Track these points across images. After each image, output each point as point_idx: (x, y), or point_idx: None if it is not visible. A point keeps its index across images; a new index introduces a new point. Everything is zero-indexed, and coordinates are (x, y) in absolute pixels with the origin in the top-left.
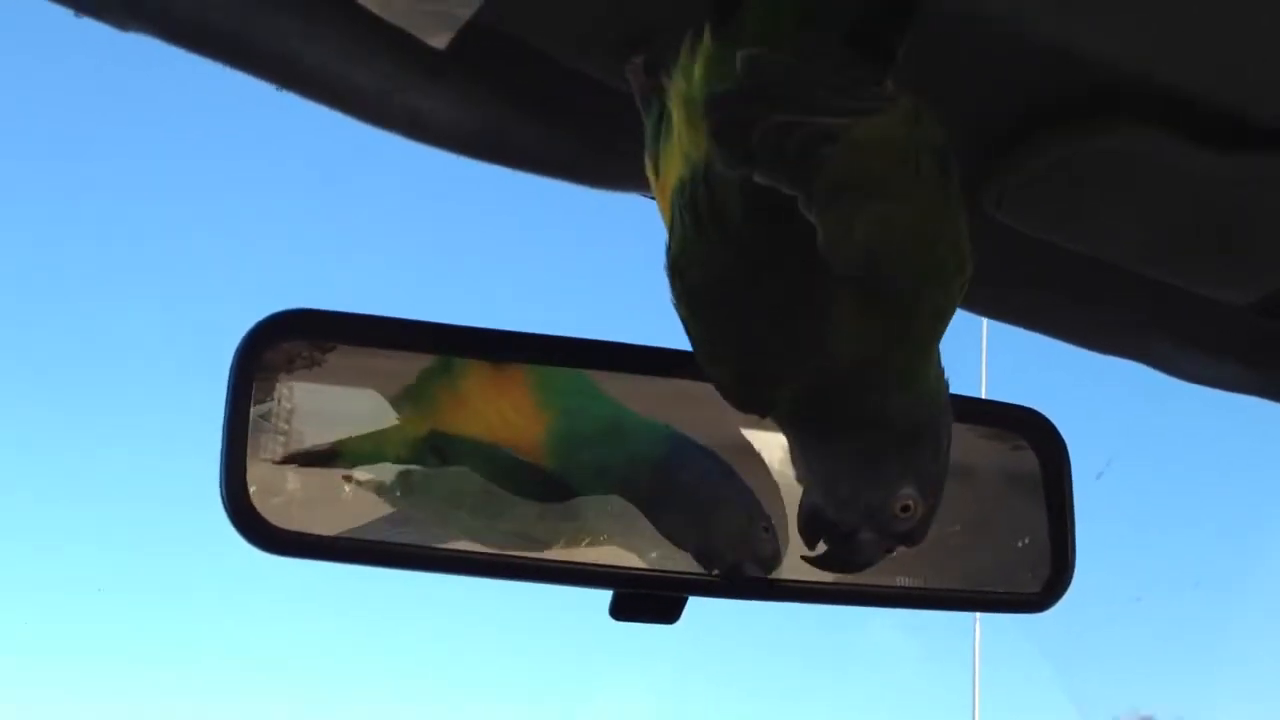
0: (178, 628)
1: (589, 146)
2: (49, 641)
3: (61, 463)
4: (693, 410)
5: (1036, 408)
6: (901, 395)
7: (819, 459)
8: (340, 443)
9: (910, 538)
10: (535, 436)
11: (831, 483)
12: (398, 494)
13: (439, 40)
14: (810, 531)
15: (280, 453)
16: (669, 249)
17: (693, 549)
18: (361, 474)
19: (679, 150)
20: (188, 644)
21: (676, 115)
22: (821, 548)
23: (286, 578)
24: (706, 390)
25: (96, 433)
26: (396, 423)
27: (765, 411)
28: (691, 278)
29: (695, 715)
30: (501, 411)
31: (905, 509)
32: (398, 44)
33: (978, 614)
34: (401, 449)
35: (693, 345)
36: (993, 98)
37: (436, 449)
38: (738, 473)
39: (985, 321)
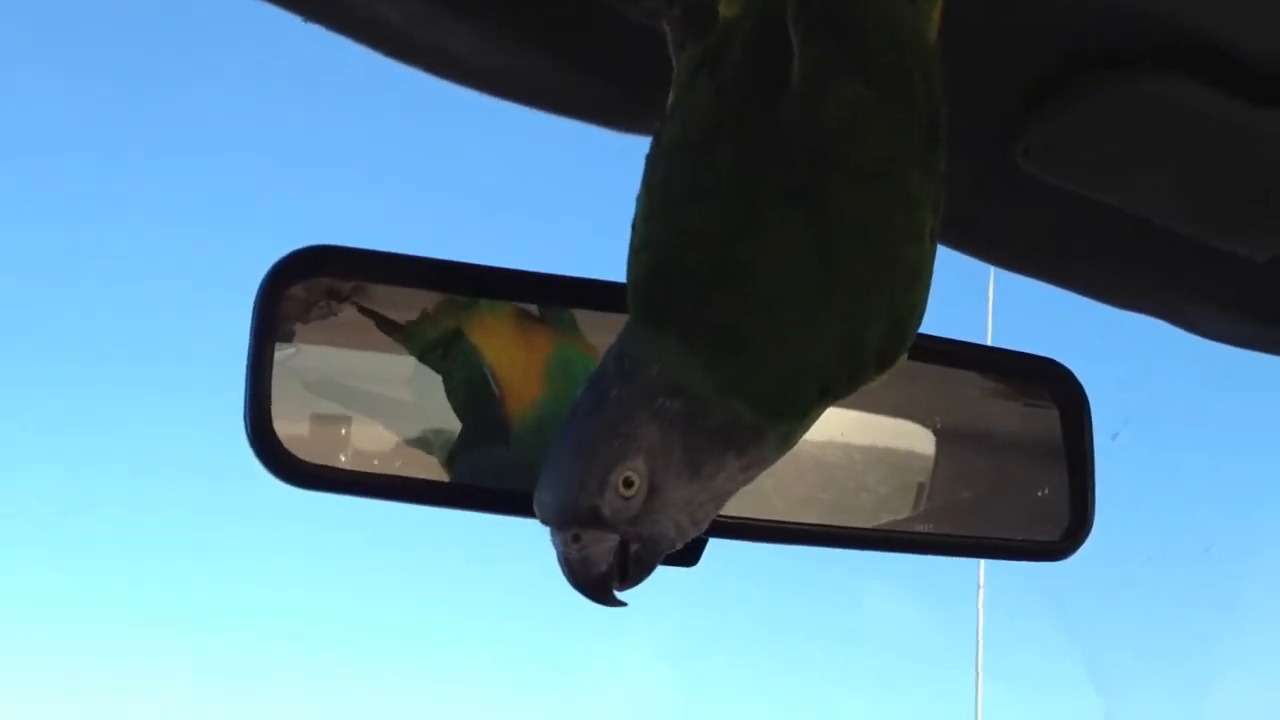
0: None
1: (617, 89)
2: None
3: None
4: None
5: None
6: None
7: None
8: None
9: None
10: (528, 397)
11: None
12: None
13: None
14: None
15: (298, 389)
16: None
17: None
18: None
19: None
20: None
21: None
22: None
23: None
24: None
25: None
26: (437, 311)
27: (659, 317)
28: (667, 133)
29: (703, 680)
30: (515, 357)
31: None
32: None
33: (980, 581)
34: (433, 336)
35: (632, 232)
36: (1027, 47)
37: (449, 346)
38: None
39: (993, 273)
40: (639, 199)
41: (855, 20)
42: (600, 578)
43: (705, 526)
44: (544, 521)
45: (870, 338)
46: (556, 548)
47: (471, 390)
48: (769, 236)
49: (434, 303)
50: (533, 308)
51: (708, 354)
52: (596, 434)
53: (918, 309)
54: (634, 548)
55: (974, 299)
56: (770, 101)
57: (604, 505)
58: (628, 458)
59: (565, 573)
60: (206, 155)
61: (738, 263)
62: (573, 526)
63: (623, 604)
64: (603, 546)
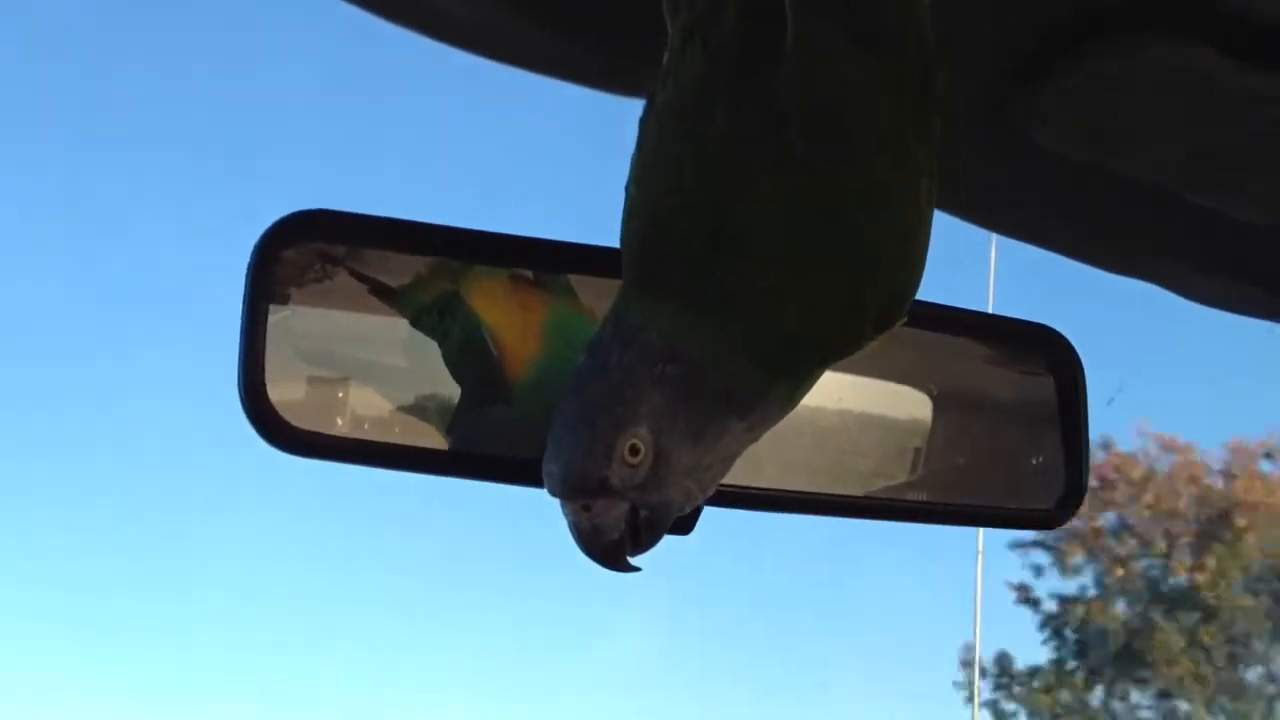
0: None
1: (610, 52)
2: None
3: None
4: None
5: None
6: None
7: None
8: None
9: None
10: (525, 358)
11: None
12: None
13: None
14: None
15: (292, 352)
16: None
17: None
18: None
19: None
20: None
21: None
22: None
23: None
24: None
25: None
26: (431, 274)
27: (655, 283)
28: (660, 97)
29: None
30: (511, 318)
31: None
32: None
33: (980, 549)
34: (427, 300)
35: (626, 197)
36: (1029, 11)
37: (445, 308)
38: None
39: (994, 239)
40: (632, 163)
41: None
42: (612, 545)
43: (712, 490)
44: (553, 493)
45: (869, 300)
46: (567, 517)
47: (469, 352)
48: (764, 201)
49: (428, 266)
50: (527, 273)
51: (705, 318)
52: (600, 403)
53: (916, 272)
54: (643, 513)
55: (976, 266)
56: (764, 66)
57: (612, 475)
58: (632, 425)
59: (578, 541)
60: (194, 119)
61: (733, 227)
62: (582, 497)
63: (637, 569)
64: (613, 514)
